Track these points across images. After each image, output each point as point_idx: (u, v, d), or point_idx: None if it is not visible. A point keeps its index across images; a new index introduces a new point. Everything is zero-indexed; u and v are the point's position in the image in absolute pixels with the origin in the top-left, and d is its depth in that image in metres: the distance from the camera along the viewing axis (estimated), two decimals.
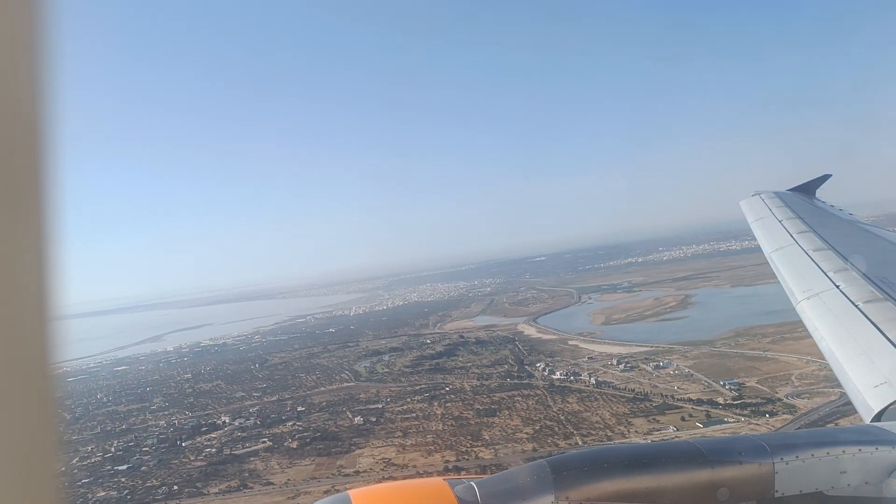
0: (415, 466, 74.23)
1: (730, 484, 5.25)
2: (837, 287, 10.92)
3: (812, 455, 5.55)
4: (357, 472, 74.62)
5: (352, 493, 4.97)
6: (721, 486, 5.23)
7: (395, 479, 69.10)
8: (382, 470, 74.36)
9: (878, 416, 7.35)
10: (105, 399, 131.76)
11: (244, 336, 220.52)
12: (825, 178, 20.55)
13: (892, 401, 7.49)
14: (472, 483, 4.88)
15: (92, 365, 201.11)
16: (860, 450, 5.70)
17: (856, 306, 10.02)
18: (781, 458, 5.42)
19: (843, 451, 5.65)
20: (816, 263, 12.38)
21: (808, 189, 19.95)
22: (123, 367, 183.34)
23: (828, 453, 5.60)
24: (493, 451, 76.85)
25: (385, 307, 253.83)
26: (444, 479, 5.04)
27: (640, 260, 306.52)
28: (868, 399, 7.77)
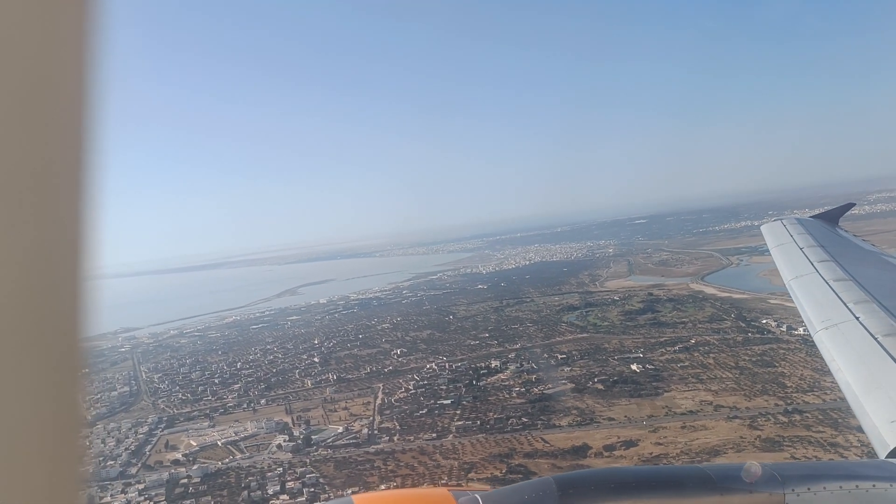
0: (747, 409, 79.38)
1: None
2: (857, 319, 10.90)
3: (825, 488, 5.51)
4: (689, 412, 79.96)
5: (355, 497, 5.21)
6: None
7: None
8: (715, 411, 79.56)
9: (895, 452, 7.28)
10: (329, 345, 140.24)
11: (389, 290, 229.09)
12: (849, 206, 21.18)
13: None
14: (476, 495, 5.01)
15: (257, 314, 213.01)
16: (875, 485, 5.65)
17: (875, 339, 9.97)
18: (793, 490, 5.39)
19: (857, 486, 5.61)
20: (836, 294, 12.36)
21: (830, 217, 20.42)
22: (295, 317, 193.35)
23: (841, 487, 5.56)
24: (815, 396, 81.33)
25: (514, 266, 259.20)
26: (449, 490, 5.19)
27: (756, 223, 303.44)
28: (884, 434, 7.68)
